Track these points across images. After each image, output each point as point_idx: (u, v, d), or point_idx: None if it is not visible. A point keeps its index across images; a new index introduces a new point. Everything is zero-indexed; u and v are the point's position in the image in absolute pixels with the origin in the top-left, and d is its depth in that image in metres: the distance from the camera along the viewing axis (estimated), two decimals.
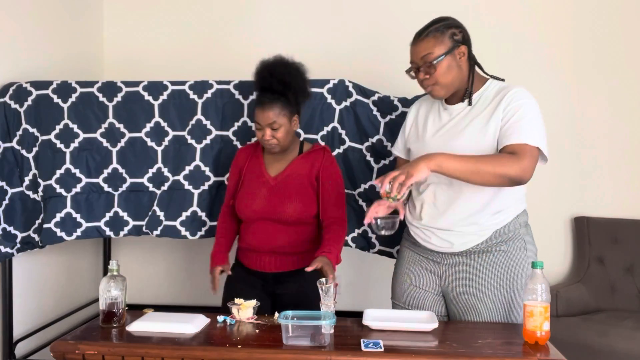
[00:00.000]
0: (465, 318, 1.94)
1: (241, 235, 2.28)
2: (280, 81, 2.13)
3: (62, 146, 2.52)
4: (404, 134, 2.13)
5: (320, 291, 1.76)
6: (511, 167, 1.76)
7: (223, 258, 2.22)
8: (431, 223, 1.95)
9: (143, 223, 2.56)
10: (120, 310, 1.80)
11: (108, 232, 2.57)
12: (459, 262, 1.94)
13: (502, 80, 1.97)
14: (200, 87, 2.53)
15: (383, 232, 1.95)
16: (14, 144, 2.54)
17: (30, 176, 2.54)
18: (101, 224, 2.57)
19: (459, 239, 1.91)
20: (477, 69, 1.96)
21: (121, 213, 2.57)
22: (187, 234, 2.51)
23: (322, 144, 2.43)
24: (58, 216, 2.52)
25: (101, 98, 2.53)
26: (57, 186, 2.52)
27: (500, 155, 1.81)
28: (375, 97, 2.52)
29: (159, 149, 2.55)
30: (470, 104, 1.92)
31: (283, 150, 2.20)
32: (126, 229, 2.57)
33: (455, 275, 1.94)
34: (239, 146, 2.50)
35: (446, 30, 1.87)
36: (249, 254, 2.23)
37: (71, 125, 2.53)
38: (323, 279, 1.78)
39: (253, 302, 1.89)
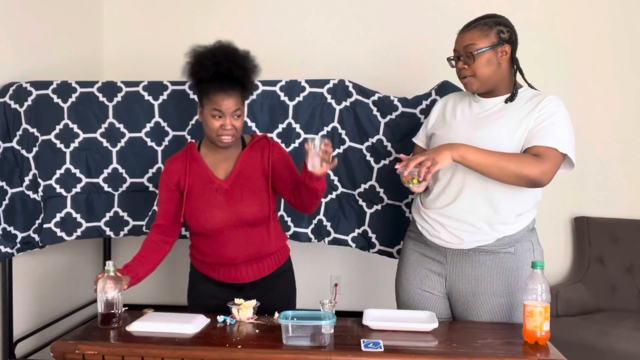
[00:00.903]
0: (469, 319, 1.94)
1: (204, 251, 2.09)
2: (240, 66, 1.97)
3: (62, 146, 2.52)
4: (427, 125, 2.12)
5: (311, 149, 1.76)
6: (533, 168, 1.77)
7: (129, 271, 1.95)
8: (460, 217, 1.90)
9: (143, 223, 2.56)
10: (119, 312, 1.79)
11: (108, 232, 2.57)
12: (464, 262, 1.93)
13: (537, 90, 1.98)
14: None
15: (411, 186, 1.86)
16: (14, 144, 2.54)
17: (30, 176, 2.54)
18: (101, 224, 2.57)
19: (471, 236, 1.89)
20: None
21: (121, 213, 2.57)
22: (187, 233, 2.51)
23: (259, 133, 2.30)
24: (58, 216, 2.52)
25: (101, 98, 2.53)
26: (57, 186, 2.52)
27: (523, 155, 1.81)
28: (375, 97, 2.51)
29: (159, 149, 2.55)
30: (512, 100, 1.91)
31: (234, 143, 2.03)
32: (126, 229, 2.57)
33: (461, 276, 1.94)
34: None
35: (494, 26, 1.90)
36: (220, 268, 2.07)
37: (71, 125, 2.53)
38: (312, 136, 1.76)
39: (253, 302, 1.89)
